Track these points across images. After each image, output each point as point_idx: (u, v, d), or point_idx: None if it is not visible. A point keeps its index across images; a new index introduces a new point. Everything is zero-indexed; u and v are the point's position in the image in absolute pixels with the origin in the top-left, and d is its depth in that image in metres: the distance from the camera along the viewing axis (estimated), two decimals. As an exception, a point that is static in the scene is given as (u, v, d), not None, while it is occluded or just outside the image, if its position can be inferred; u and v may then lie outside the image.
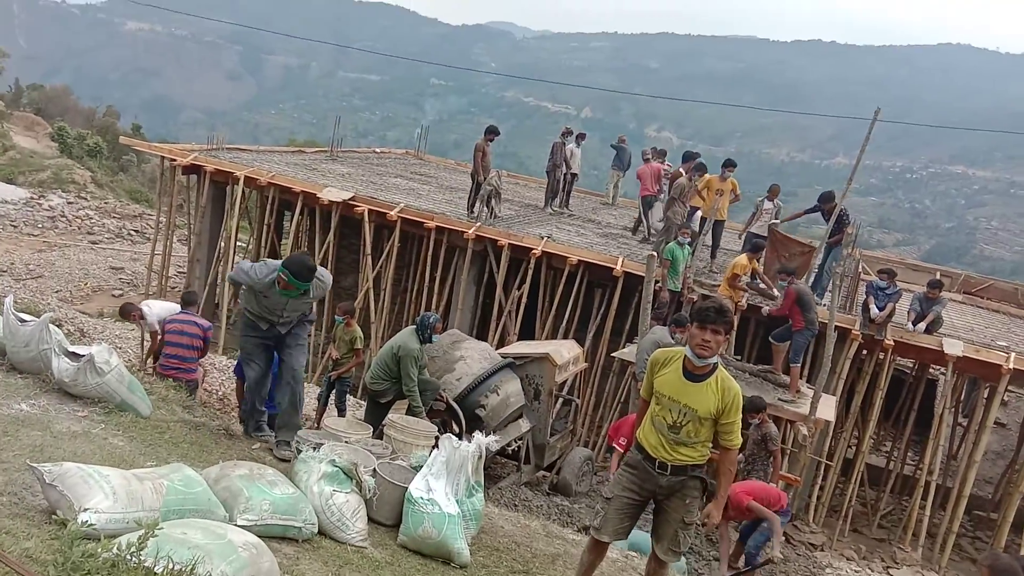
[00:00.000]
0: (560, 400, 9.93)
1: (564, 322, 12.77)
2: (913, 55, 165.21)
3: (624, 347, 11.44)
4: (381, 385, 7.17)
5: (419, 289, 13.67)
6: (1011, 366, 10.42)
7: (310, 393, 10.71)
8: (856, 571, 8.67)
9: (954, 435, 13.08)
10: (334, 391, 8.76)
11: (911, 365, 13.57)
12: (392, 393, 7.20)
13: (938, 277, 12.91)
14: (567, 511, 7.89)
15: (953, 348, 10.72)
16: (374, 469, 4.60)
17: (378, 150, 22.79)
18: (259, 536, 3.44)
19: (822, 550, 10.05)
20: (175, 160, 14.62)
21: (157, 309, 7.87)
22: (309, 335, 5.85)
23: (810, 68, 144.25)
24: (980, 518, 12.68)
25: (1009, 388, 12.02)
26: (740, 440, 3.90)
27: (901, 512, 12.02)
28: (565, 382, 9.73)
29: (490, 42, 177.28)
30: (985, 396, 12.09)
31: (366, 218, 13.27)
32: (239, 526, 3.57)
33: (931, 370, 13.33)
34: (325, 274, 5.56)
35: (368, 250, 13.43)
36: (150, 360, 7.88)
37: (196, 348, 7.23)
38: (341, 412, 8.63)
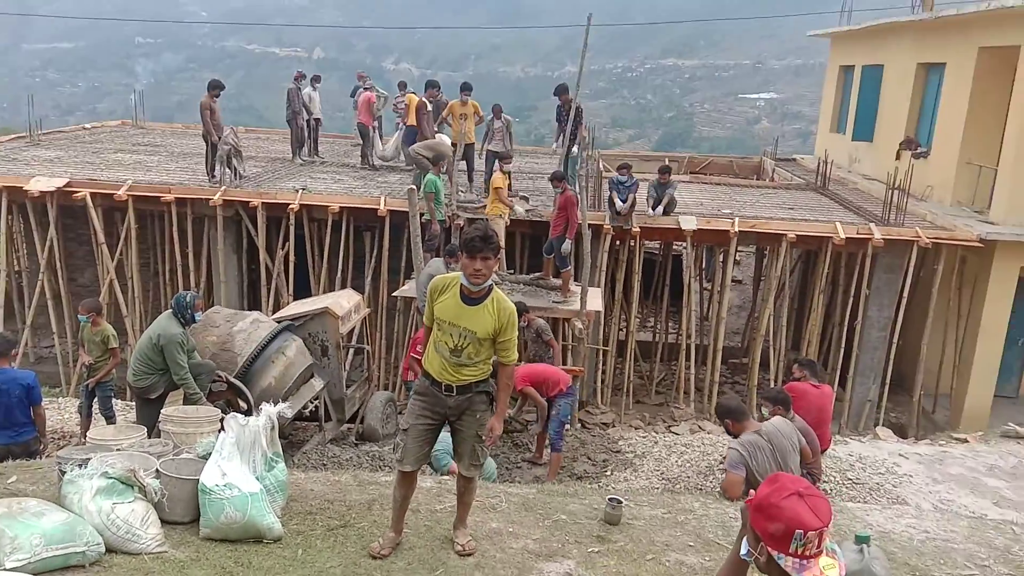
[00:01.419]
0: (350, 350, 9.84)
1: (339, 272, 12.51)
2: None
3: (404, 285, 11.50)
4: (146, 380, 6.60)
5: (172, 269, 12.61)
6: (736, 230, 11.93)
7: (68, 408, 9.64)
8: (643, 436, 9.68)
9: (702, 299, 14.81)
10: (96, 399, 7.95)
11: (658, 246, 15.03)
12: (162, 386, 6.66)
13: (667, 163, 14.35)
14: (378, 456, 7.94)
15: (688, 224, 12.04)
16: (156, 469, 4.28)
17: (88, 126, 20.23)
18: (37, 574, 3.10)
19: (613, 426, 11.08)
20: None
21: None
22: None
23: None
24: (735, 365, 14.62)
25: (739, 248, 13.78)
26: (516, 356, 4.15)
27: (672, 376, 13.52)
28: (352, 332, 9.62)
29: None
30: (721, 260, 13.80)
31: (90, 203, 11.86)
32: (8, 569, 3.20)
33: (675, 247, 14.86)
34: None
35: (100, 239, 12.07)
36: None
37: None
38: (110, 420, 7.88)
